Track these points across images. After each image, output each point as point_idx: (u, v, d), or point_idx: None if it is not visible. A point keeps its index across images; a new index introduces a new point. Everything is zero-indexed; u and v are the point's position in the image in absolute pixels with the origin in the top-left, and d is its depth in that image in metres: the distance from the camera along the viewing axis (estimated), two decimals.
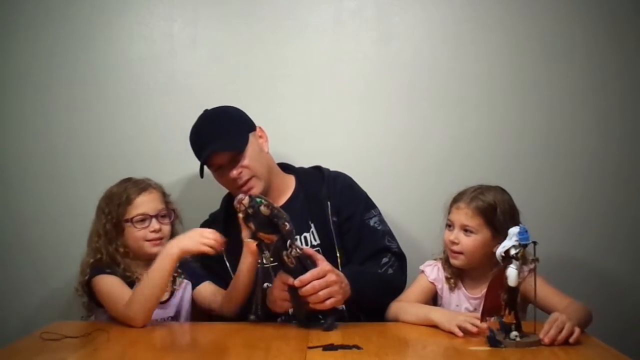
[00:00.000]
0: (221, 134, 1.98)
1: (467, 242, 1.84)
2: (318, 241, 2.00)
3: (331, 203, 2.01)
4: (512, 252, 1.57)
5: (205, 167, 2.01)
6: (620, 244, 2.34)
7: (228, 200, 2.07)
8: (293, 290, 1.73)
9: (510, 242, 1.58)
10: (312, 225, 2.01)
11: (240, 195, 1.73)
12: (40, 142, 2.37)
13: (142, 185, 1.96)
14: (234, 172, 1.95)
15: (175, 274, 1.92)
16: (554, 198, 2.33)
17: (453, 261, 1.88)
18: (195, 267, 2.01)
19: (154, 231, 1.91)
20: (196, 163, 1.96)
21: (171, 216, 1.97)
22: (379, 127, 2.36)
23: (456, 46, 2.35)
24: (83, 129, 2.37)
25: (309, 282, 1.71)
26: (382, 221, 2.05)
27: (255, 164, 1.98)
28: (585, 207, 2.34)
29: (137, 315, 1.76)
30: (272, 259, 1.71)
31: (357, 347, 1.54)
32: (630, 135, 2.34)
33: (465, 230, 1.84)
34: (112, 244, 1.91)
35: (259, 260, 1.72)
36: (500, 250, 1.59)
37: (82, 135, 2.37)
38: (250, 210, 1.68)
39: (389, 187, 2.30)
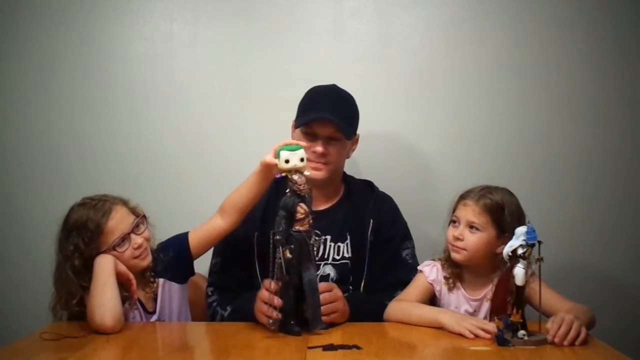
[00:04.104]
0: (346, 115, 2.00)
1: (472, 239, 1.82)
2: (350, 254, 2.00)
3: (373, 222, 2.01)
4: (520, 251, 1.56)
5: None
6: (620, 244, 2.34)
7: None
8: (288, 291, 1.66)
9: (517, 241, 1.56)
10: (348, 237, 2.01)
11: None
12: (40, 142, 2.38)
13: (105, 208, 1.80)
14: (320, 148, 1.94)
15: (151, 278, 1.87)
16: (554, 198, 2.33)
17: (454, 255, 1.84)
18: (166, 249, 1.91)
19: (137, 247, 1.82)
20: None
21: (144, 222, 1.86)
22: (378, 127, 2.36)
23: (456, 46, 2.35)
24: (83, 128, 2.38)
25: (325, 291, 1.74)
26: (414, 255, 2.06)
27: (340, 159, 2.02)
28: (585, 207, 2.34)
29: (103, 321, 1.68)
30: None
31: (357, 347, 1.54)
32: (630, 135, 2.34)
33: (471, 227, 1.82)
34: (82, 279, 1.77)
35: (279, 256, 1.65)
36: (507, 250, 1.58)
37: (82, 135, 2.38)
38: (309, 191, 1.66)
39: (388, 187, 2.29)
